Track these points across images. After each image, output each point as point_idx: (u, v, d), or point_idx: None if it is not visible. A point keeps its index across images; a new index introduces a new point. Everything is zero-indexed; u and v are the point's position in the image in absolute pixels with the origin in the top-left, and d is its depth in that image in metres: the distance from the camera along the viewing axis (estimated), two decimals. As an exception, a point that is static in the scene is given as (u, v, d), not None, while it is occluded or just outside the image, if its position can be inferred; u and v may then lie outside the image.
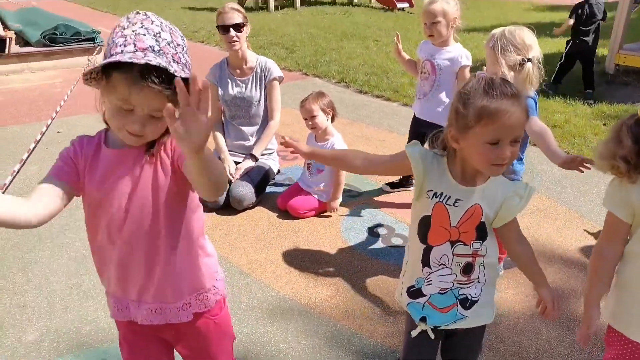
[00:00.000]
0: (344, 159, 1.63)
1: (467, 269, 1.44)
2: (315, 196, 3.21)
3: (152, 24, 1.15)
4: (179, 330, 1.41)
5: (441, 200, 1.39)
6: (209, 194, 1.14)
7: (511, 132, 1.26)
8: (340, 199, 3.24)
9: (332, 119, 3.23)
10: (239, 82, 3.35)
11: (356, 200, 3.43)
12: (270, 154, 3.55)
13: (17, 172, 3.83)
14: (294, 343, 2.18)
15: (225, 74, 3.37)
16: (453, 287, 1.46)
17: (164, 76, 1.10)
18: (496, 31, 2.32)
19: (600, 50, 7.90)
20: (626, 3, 6.24)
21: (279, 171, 3.67)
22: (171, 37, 1.16)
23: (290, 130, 4.40)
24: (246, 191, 3.20)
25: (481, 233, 1.40)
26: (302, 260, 2.78)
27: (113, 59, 1.09)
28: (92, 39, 7.41)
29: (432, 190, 1.40)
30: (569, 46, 5.95)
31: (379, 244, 2.92)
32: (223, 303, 1.48)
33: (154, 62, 1.08)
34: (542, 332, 2.25)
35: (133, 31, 1.13)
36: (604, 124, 4.85)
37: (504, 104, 1.24)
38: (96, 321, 2.30)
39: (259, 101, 3.38)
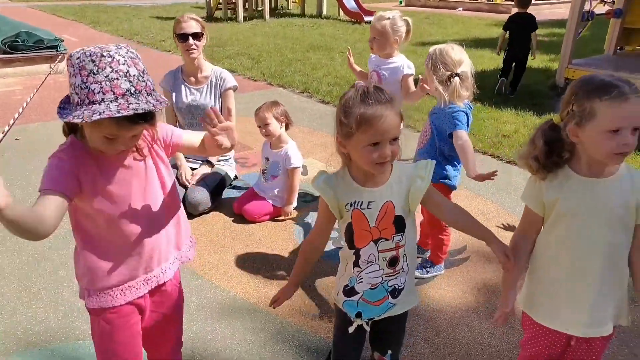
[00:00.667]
0: (310, 263, 1.73)
1: (393, 262, 1.56)
2: (270, 201, 3.31)
3: (119, 64, 1.28)
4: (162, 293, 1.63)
5: (356, 207, 1.51)
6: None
7: (388, 134, 1.40)
8: (294, 204, 3.35)
9: (287, 127, 3.34)
10: (193, 90, 3.43)
11: (310, 205, 3.54)
12: (226, 160, 3.64)
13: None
14: (240, 339, 2.27)
15: (179, 81, 3.44)
16: (382, 282, 1.58)
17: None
18: (431, 50, 2.50)
19: (552, 65, 8.32)
20: (574, 21, 6.60)
21: (236, 177, 3.76)
22: (136, 69, 1.31)
23: (252, 139, 4.51)
24: (201, 196, 3.27)
25: (399, 226, 1.53)
26: (254, 262, 2.88)
27: (105, 115, 1.23)
28: (55, 47, 7.37)
29: (347, 203, 1.52)
30: (505, 54, 6.70)
31: (329, 246, 3.03)
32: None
33: (140, 111, 1.26)
34: (475, 325, 2.39)
35: (106, 76, 1.26)
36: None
37: (378, 109, 1.39)
38: (45, 322, 2.34)
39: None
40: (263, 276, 2.74)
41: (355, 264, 1.57)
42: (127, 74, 1.28)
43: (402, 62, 3.06)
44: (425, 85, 2.69)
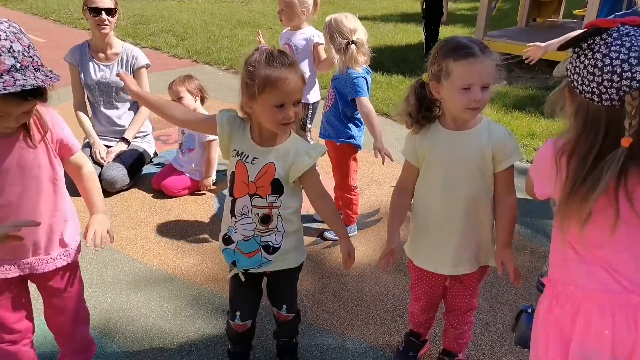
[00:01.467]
0: (165, 107, 1.75)
1: (265, 220, 1.64)
2: (188, 175, 3.34)
3: (0, 40, 1.25)
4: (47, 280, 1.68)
5: (241, 158, 1.60)
6: None
7: (292, 96, 1.49)
8: (213, 177, 3.39)
9: (202, 101, 3.36)
10: (102, 66, 3.35)
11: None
12: (144, 136, 3.60)
13: None
14: (156, 307, 2.33)
15: (86, 57, 3.35)
16: (255, 235, 1.66)
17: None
18: (327, 20, 2.61)
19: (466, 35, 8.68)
20: (486, -4, 6.94)
21: (155, 154, 3.73)
22: (20, 44, 1.29)
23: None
24: (117, 173, 3.25)
25: (276, 188, 1.61)
26: (172, 234, 2.92)
27: None
28: None
29: (235, 150, 1.61)
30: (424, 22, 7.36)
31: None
32: None
33: (28, 87, 1.26)
34: (382, 279, 2.58)
35: None
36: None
37: (283, 72, 1.47)
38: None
39: (123, 87, 3.41)
40: (181, 247, 2.80)
41: (232, 213, 1.66)
42: (11, 50, 1.27)
43: (312, 32, 3.14)
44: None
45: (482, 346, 2.16)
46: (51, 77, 1.33)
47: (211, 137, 3.26)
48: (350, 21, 2.51)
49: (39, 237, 1.58)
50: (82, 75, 3.35)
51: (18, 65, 1.28)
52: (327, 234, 2.91)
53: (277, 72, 1.47)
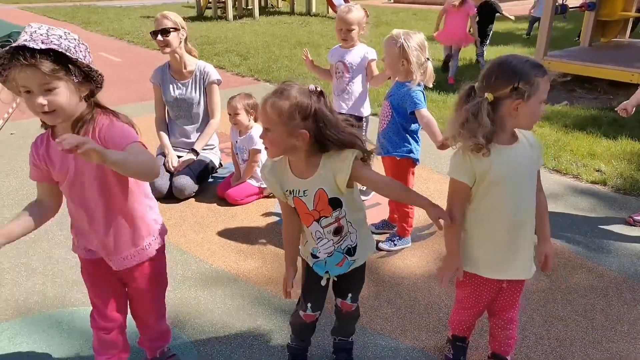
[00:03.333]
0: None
1: (337, 231, 1.77)
2: (252, 181, 3.55)
3: (29, 29, 1.46)
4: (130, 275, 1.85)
5: (295, 194, 1.73)
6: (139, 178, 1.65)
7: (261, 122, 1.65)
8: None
9: (255, 120, 3.57)
10: (179, 84, 3.66)
11: (290, 189, 3.78)
12: (211, 149, 3.87)
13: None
14: (220, 304, 2.51)
15: (167, 77, 3.67)
16: (335, 249, 1.80)
17: (34, 54, 1.40)
18: (398, 32, 2.72)
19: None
20: (548, 15, 6.86)
21: (220, 165, 3.99)
22: (47, 31, 1.46)
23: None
24: (186, 182, 3.51)
25: (335, 204, 1.72)
26: (235, 238, 3.11)
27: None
28: (47, 46, 7.54)
29: (287, 190, 1.75)
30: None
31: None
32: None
33: (15, 45, 1.38)
34: (435, 289, 2.64)
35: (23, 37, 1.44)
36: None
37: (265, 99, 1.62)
38: (43, 291, 2.57)
39: (198, 102, 3.69)
40: (243, 251, 2.98)
41: (310, 236, 1.81)
42: (32, 33, 1.44)
43: (366, 50, 3.29)
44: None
45: (534, 358, 2.18)
46: (45, 43, 1.40)
47: (257, 146, 3.47)
48: (423, 38, 2.65)
49: (103, 239, 1.69)
50: (163, 94, 3.66)
51: (29, 39, 1.40)
52: (381, 245, 3.01)
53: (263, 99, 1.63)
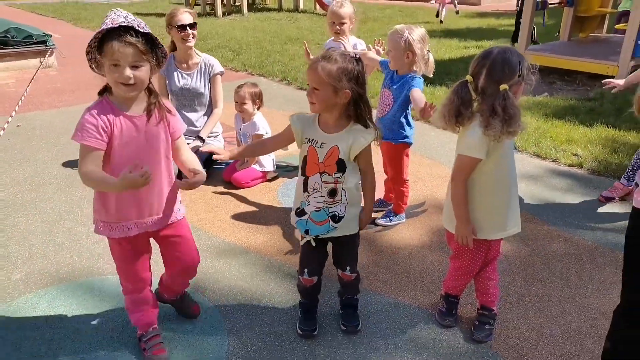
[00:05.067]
0: (259, 150, 2.53)
1: (332, 193, 2.06)
2: (256, 166, 3.81)
3: (118, 14, 1.76)
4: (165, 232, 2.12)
5: (312, 144, 2.02)
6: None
7: (311, 82, 1.93)
8: (272, 167, 3.91)
9: (259, 108, 3.84)
10: (185, 75, 3.89)
11: (290, 173, 4.05)
12: (216, 136, 4.11)
13: (-16, 158, 4.20)
14: (235, 272, 2.77)
15: (172, 67, 3.89)
16: (324, 207, 2.08)
17: (135, 34, 1.73)
18: (401, 27, 2.98)
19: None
20: (529, 10, 7.21)
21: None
22: (134, 17, 1.78)
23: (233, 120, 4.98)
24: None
25: (340, 166, 2.02)
26: (244, 217, 3.37)
27: (102, 28, 1.71)
28: (44, 42, 7.70)
29: (307, 138, 2.04)
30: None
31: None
32: None
33: (120, 24, 1.70)
34: (428, 257, 2.93)
35: (110, 18, 1.75)
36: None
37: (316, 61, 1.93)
38: (72, 264, 2.80)
39: (203, 92, 3.93)
40: (252, 227, 3.24)
41: (305, 189, 2.08)
42: (126, 17, 1.75)
43: (354, 41, 3.57)
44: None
45: (517, 312, 2.48)
46: (140, 26, 1.73)
47: (259, 131, 3.77)
48: (425, 32, 2.92)
49: (154, 200, 1.99)
50: (167, 83, 3.89)
51: (125, 22, 1.71)
52: (379, 221, 3.29)
53: (313, 61, 1.95)
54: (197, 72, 3.91)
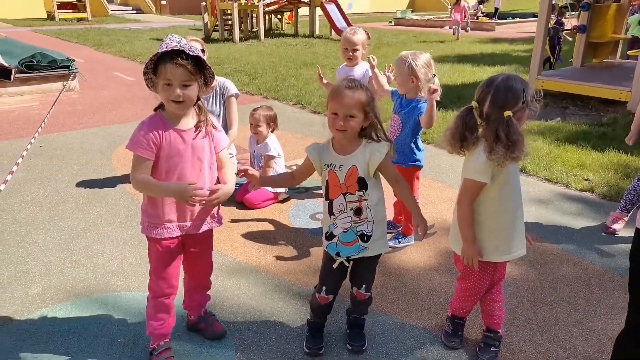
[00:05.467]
0: (284, 180, 2.54)
1: (358, 212, 2.12)
2: (268, 188, 3.89)
3: (173, 39, 1.95)
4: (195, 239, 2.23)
5: (331, 168, 2.09)
6: None
7: (343, 109, 1.99)
8: (284, 190, 3.97)
9: (273, 131, 3.95)
10: (202, 98, 4.01)
11: (302, 195, 4.12)
12: (230, 157, 4.19)
13: (6, 181, 4.36)
14: (245, 290, 2.82)
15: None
16: (351, 227, 2.14)
17: (185, 57, 1.92)
18: (406, 53, 3.09)
19: (522, 76, 8.96)
20: (540, 36, 7.29)
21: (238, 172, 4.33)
22: (188, 42, 1.97)
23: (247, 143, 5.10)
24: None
25: (362, 184, 2.09)
26: (255, 237, 3.44)
27: (156, 52, 1.91)
28: (67, 66, 7.99)
29: (325, 164, 2.11)
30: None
31: (317, 225, 3.61)
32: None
33: (173, 47, 1.90)
34: (435, 279, 2.95)
35: (165, 43, 1.93)
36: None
37: (344, 90, 1.99)
38: (87, 280, 2.89)
39: (219, 114, 4.06)
40: (262, 247, 3.30)
41: (330, 212, 2.15)
42: (179, 42, 1.93)
43: (366, 66, 3.68)
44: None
45: (523, 335, 2.48)
46: (194, 52, 1.92)
47: (271, 153, 3.89)
48: (429, 57, 3.04)
49: (195, 208, 2.12)
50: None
51: (178, 46, 1.91)
52: (389, 242, 3.33)
53: (339, 90, 2.01)
54: (213, 94, 4.04)
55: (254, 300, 2.73)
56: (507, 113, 1.95)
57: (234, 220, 3.69)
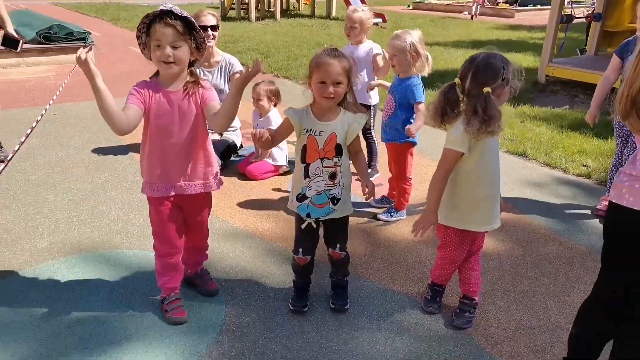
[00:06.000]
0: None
1: (332, 176, 2.25)
2: (269, 160, 4.02)
3: (167, 5, 2.06)
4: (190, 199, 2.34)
5: (311, 133, 2.20)
6: (224, 124, 2.16)
7: (331, 77, 2.08)
8: (284, 162, 4.12)
9: (275, 105, 4.05)
10: (206, 72, 4.14)
11: (302, 169, 4.25)
12: (234, 130, 4.35)
13: (22, 143, 4.55)
14: (239, 253, 2.98)
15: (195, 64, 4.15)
16: (325, 190, 2.26)
17: (174, 17, 2.02)
18: (400, 31, 3.17)
19: (533, 63, 8.88)
20: (553, 23, 7.24)
21: (241, 146, 4.47)
22: (178, 8, 2.06)
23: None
24: (212, 157, 3.99)
25: (338, 150, 2.21)
26: (253, 206, 3.59)
27: (147, 15, 2.02)
28: (84, 39, 8.15)
29: (305, 129, 2.21)
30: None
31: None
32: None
33: (165, 8, 2.00)
34: (423, 251, 3.07)
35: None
36: (521, 122, 5.76)
37: (328, 59, 2.09)
38: (92, 237, 3.07)
39: (222, 89, 4.18)
40: (259, 215, 3.45)
41: (306, 175, 2.26)
42: (170, 7, 2.04)
43: (370, 45, 3.77)
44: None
45: (500, 305, 2.60)
46: (179, 12, 2.02)
47: (271, 127, 3.94)
48: (421, 35, 3.14)
49: (186, 166, 2.23)
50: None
51: (168, 7, 2.03)
52: (380, 216, 3.45)
53: (324, 59, 2.10)
54: (218, 70, 4.16)
55: (247, 263, 2.88)
56: (486, 89, 2.05)
57: (234, 190, 3.83)
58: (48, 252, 2.90)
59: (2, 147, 4.28)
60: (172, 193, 2.27)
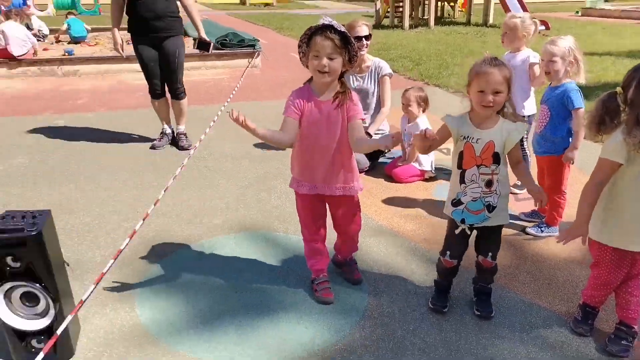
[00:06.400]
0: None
1: (489, 184, 2.27)
2: (415, 165, 4.13)
3: (326, 18, 2.29)
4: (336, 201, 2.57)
5: (468, 140, 2.25)
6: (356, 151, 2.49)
7: (490, 86, 2.11)
8: (430, 167, 4.16)
9: (424, 111, 4.13)
10: (358, 77, 4.38)
11: (449, 176, 4.24)
12: (382, 133, 4.53)
13: (203, 138, 5.28)
14: (383, 249, 3.13)
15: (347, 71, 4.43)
16: (480, 197, 2.30)
17: (333, 32, 2.23)
18: (555, 38, 3.07)
19: None
20: None
21: (388, 149, 4.63)
22: (336, 21, 2.28)
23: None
24: (361, 158, 4.20)
25: (496, 159, 2.23)
26: (398, 206, 3.73)
27: (310, 28, 2.28)
28: (253, 45, 9.08)
29: (462, 135, 2.27)
30: None
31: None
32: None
33: (326, 22, 2.23)
34: (575, 271, 2.90)
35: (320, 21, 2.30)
36: None
37: (488, 68, 2.11)
38: (255, 219, 3.49)
39: (373, 92, 4.38)
40: (403, 215, 3.58)
41: (462, 181, 2.32)
42: (330, 21, 2.25)
43: (528, 53, 3.63)
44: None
45: (664, 339, 2.36)
46: (337, 26, 2.22)
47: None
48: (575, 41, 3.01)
49: (327, 170, 2.43)
50: (344, 86, 4.45)
51: (328, 23, 2.24)
52: (529, 230, 3.34)
53: (484, 68, 2.13)
54: (369, 74, 4.37)
55: (390, 259, 3.03)
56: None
57: (380, 190, 4.01)
58: (221, 228, 3.38)
59: (187, 137, 5.02)
60: (315, 192, 2.50)
